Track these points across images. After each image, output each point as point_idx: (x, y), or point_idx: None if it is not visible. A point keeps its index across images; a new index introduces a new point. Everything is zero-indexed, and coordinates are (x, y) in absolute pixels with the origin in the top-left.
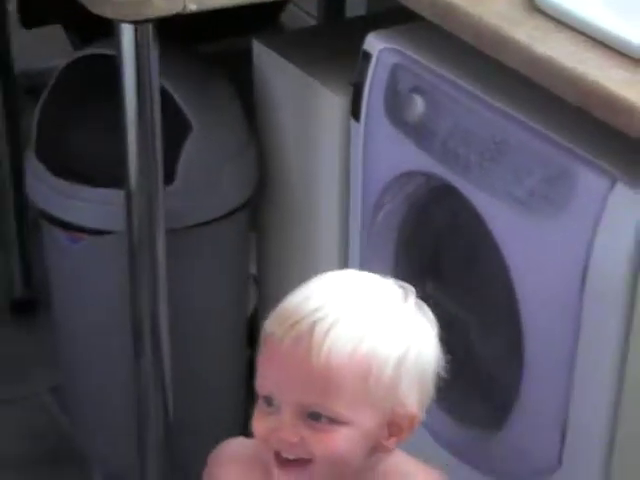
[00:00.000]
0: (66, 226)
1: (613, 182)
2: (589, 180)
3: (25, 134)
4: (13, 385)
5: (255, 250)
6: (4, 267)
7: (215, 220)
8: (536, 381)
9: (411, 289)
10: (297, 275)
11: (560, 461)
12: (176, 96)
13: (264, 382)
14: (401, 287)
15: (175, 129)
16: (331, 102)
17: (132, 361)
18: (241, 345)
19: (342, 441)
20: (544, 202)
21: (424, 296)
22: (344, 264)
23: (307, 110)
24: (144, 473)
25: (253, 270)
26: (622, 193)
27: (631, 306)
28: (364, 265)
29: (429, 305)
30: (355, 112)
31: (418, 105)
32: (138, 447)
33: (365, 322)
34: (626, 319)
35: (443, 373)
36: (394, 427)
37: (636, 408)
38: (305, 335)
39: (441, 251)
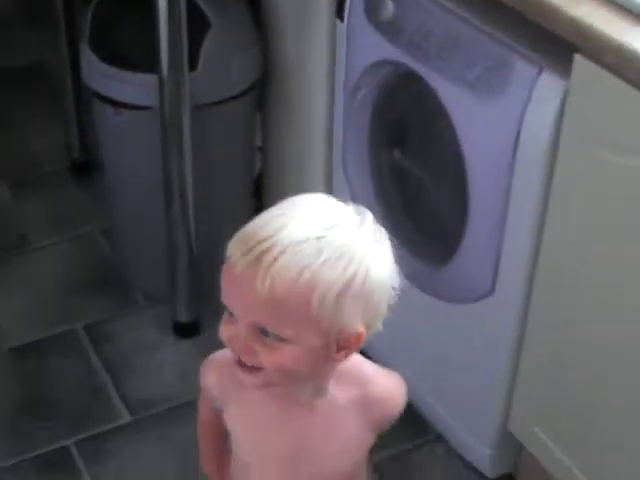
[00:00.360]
0: (112, 102)
1: (540, 70)
2: (521, 68)
3: (81, 31)
4: (73, 229)
5: (260, 126)
6: (65, 137)
7: (229, 99)
8: (477, 227)
9: (369, 215)
10: (294, 145)
11: (493, 289)
12: (199, 0)
13: (224, 296)
14: (359, 214)
15: (198, 26)
16: (320, 6)
17: (165, 209)
18: (249, 197)
19: (287, 357)
20: (487, 86)
21: (392, 160)
22: (330, 134)
23: (301, 12)
24: (175, 292)
25: (259, 142)
26: (547, 79)
27: (551, 170)
28: (345, 135)
29: (396, 167)
30: (340, 13)
31: (390, 7)
32: (169, 274)
33: (311, 252)
34: (546, 178)
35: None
36: (342, 343)
37: (553, 248)
38: (254, 263)
39: (406, 125)
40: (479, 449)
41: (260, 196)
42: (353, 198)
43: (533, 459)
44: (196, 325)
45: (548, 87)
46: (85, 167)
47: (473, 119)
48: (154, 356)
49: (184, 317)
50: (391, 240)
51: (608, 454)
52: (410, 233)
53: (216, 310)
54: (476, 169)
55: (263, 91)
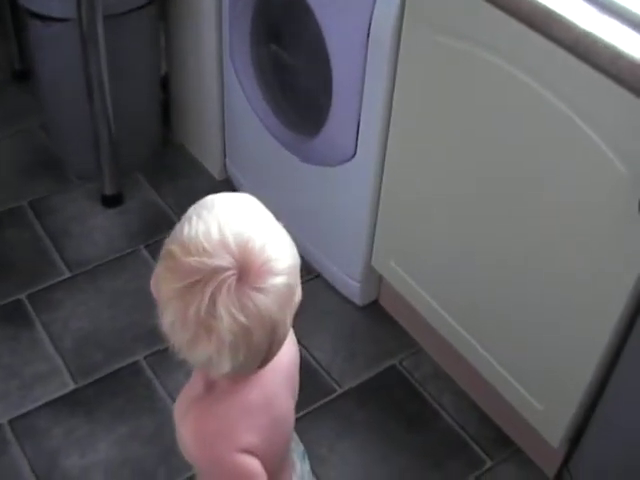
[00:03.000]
0: (41, 17)
1: None
2: None
3: None
4: (17, 125)
5: (163, 31)
6: (6, 50)
7: (135, 9)
8: (340, 102)
9: None
10: (192, 45)
11: (355, 153)
12: None
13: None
14: None
15: None
16: None
17: (88, 103)
18: (158, 90)
19: None
20: None
21: (270, 52)
22: (220, 34)
23: None
24: (100, 171)
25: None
26: None
27: (396, 49)
28: (231, 34)
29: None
30: None
31: None
32: (95, 156)
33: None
34: (393, 61)
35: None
36: None
37: (401, 115)
38: None
39: (279, 23)
40: (350, 283)
41: (165, 89)
42: (240, 85)
43: (392, 288)
44: (119, 196)
45: None
46: (24, 75)
47: (333, 13)
48: (86, 223)
49: (109, 190)
50: (272, 116)
51: (453, 280)
52: (286, 110)
53: (134, 184)
54: (337, 53)
55: (164, 0)
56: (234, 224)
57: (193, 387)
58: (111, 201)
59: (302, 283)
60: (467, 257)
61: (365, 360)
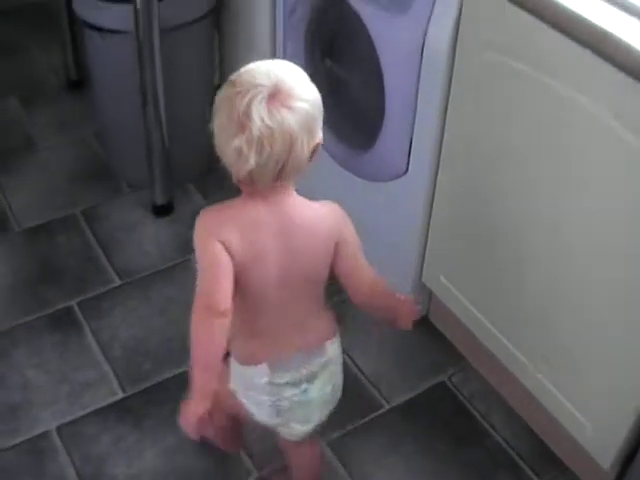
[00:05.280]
0: (98, 29)
1: None
2: None
3: None
4: (70, 133)
5: (218, 43)
6: (63, 60)
7: (191, 22)
8: (393, 118)
9: None
10: (245, 57)
11: (407, 170)
12: None
13: None
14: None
15: None
16: None
17: (142, 114)
18: (210, 103)
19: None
20: (397, 4)
21: (324, 67)
22: (274, 48)
23: None
24: (152, 180)
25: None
26: None
27: (450, 68)
28: (285, 48)
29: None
30: None
31: None
32: (147, 165)
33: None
34: (446, 79)
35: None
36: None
37: (452, 133)
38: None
39: (334, 39)
40: None
41: None
42: None
43: (441, 304)
44: (170, 206)
45: (447, 2)
46: (79, 83)
47: (387, 31)
48: (137, 232)
49: (160, 200)
50: (326, 130)
51: (504, 297)
52: (339, 125)
53: (185, 194)
54: (390, 70)
55: (219, 14)
56: (279, 71)
57: None
58: (162, 210)
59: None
60: (518, 275)
61: (414, 376)
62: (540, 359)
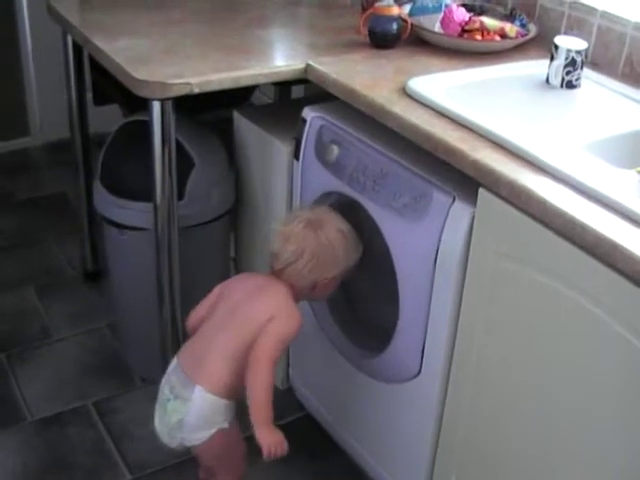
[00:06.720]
0: (117, 225)
1: (453, 199)
2: (438, 198)
3: (94, 169)
4: (86, 324)
5: (234, 242)
6: (80, 251)
7: (209, 222)
8: (406, 324)
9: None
10: (261, 258)
11: (420, 371)
12: (185, 145)
13: None
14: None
15: (184, 165)
16: (281, 149)
17: (157, 308)
18: None
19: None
20: (412, 211)
21: None
22: None
23: (266, 154)
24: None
25: (232, 254)
26: (459, 207)
27: (463, 276)
28: None
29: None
30: (296, 155)
31: (335, 151)
32: (162, 361)
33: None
34: (459, 284)
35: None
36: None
37: (464, 337)
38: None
39: None
40: None
41: None
42: (310, 304)
43: None
44: None
45: (460, 212)
46: (96, 275)
47: (401, 237)
48: (148, 426)
49: None
50: (339, 333)
51: None
52: (353, 327)
53: None
54: (404, 277)
55: (236, 215)
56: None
57: None
58: None
59: None
60: (534, 474)
61: None
62: None
